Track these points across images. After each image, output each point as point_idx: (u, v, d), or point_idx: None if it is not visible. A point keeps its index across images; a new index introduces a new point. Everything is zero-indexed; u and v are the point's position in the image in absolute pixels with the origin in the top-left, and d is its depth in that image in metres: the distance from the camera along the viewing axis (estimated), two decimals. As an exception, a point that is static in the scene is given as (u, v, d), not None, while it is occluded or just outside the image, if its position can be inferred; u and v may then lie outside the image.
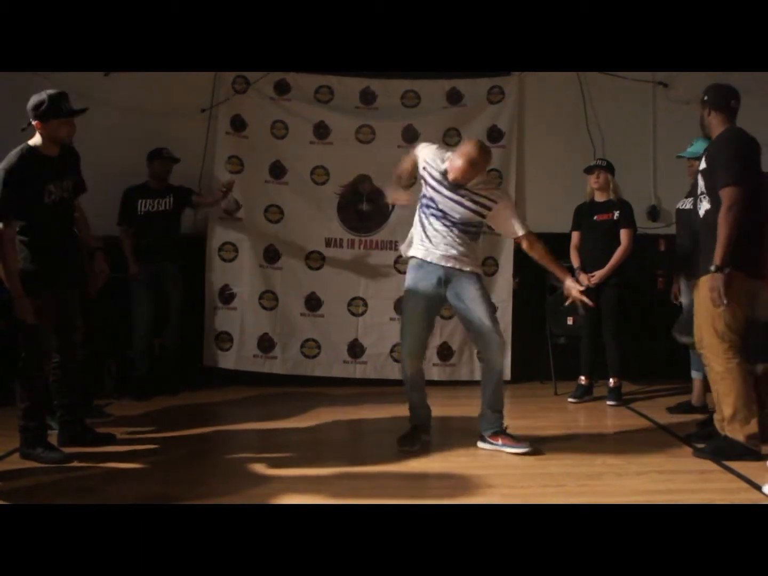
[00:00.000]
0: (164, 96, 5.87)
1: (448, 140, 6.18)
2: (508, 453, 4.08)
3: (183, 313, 5.81)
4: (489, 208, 4.12)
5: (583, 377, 5.56)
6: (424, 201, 4.21)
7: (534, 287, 6.04)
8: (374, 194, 6.18)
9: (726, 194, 3.70)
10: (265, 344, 6.08)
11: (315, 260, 6.16)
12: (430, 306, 4.20)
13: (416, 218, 4.28)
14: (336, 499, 3.34)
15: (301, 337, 6.11)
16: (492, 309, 4.24)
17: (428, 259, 4.16)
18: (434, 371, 6.16)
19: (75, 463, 3.91)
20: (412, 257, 4.25)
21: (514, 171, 6.23)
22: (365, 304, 6.17)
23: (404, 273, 6.04)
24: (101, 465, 3.94)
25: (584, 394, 5.53)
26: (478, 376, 6.11)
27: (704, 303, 3.82)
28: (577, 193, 5.67)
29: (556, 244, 5.67)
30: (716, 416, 4.01)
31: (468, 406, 5.32)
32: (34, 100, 3.84)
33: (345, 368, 6.12)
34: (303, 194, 6.08)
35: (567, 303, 4.17)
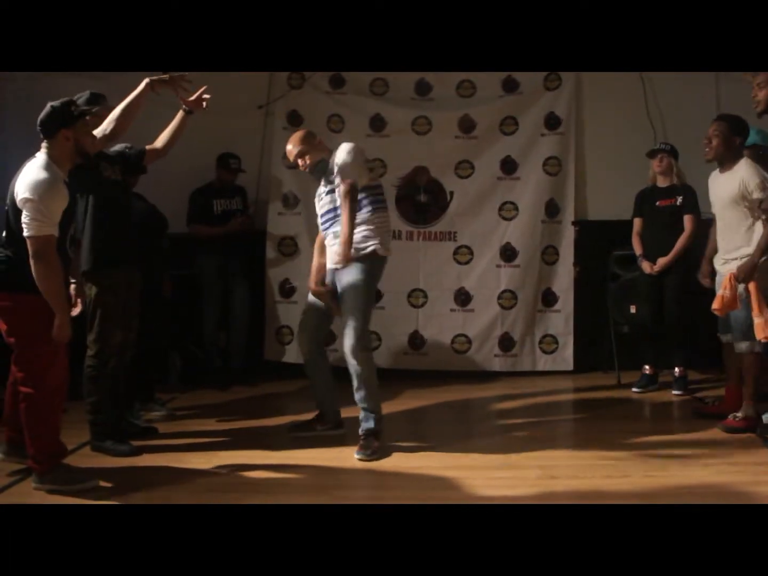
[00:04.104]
0: (221, 94, 5.82)
1: (504, 129, 6.15)
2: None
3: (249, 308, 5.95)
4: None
5: (647, 366, 5.46)
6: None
7: (595, 275, 5.96)
8: (432, 185, 6.19)
9: None
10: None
11: (374, 253, 6.17)
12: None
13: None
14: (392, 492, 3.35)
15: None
16: (356, 301, 4.05)
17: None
18: (495, 362, 6.14)
19: (144, 456, 4.01)
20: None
21: (573, 158, 6.14)
22: (425, 296, 6.18)
23: (464, 264, 6.17)
24: (167, 454, 4.03)
25: (649, 384, 5.42)
26: (540, 367, 6.14)
27: None
28: (639, 180, 5.55)
29: (618, 231, 5.63)
30: None
31: (530, 397, 5.32)
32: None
33: (406, 360, 6.13)
34: (361, 187, 6.11)
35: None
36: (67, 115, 3.36)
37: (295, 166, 4.44)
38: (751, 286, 4.03)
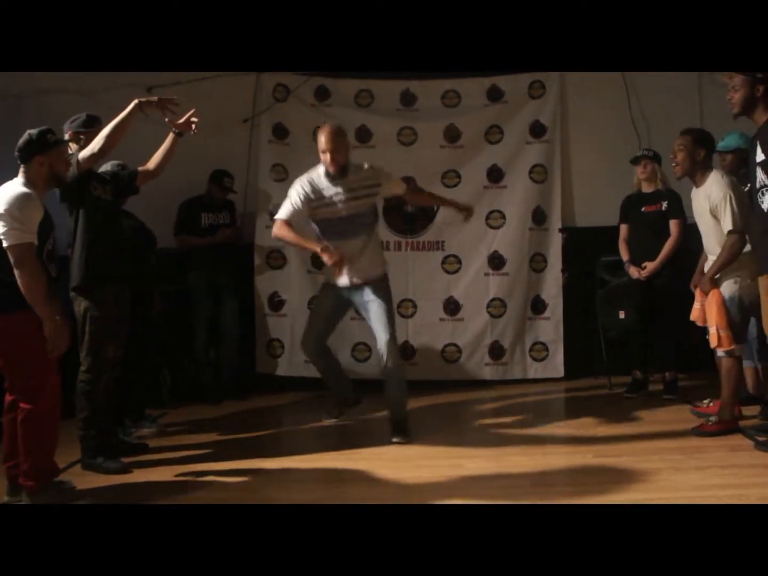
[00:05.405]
0: (207, 108, 5.88)
1: (490, 138, 6.18)
2: None
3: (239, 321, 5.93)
4: (376, 193, 4.51)
5: (637, 371, 5.47)
6: (320, 229, 4.53)
7: (583, 281, 5.98)
8: (418, 196, 6.19)
9: None
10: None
11: (362, 264, 6.17)
12: (335, 308, 4.70)
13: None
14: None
15: (352, 341, 6.11)
16: (389, 307, 4.51)
17: (332, 283, 4.55)
18: (486, 371, 6.14)
19: (135, 473, 3.98)
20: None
21: (558, 166, 6.18)
22: (414, 306, 6.19)
23: (452, 273, 6.19)
24: (158, 469, 4.01)
25: (639, 389, 5.43)
26: (531, 374, 6.14)
27: None
28: (625, 186, 5.57)
29: (605, 237, 5.65)
30: None
31: (522, 405, 5.32)
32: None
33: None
34: (348, 199, 6.12)
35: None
36: (42, 143, 3.50)
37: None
38: (711, 296, 4.17)
